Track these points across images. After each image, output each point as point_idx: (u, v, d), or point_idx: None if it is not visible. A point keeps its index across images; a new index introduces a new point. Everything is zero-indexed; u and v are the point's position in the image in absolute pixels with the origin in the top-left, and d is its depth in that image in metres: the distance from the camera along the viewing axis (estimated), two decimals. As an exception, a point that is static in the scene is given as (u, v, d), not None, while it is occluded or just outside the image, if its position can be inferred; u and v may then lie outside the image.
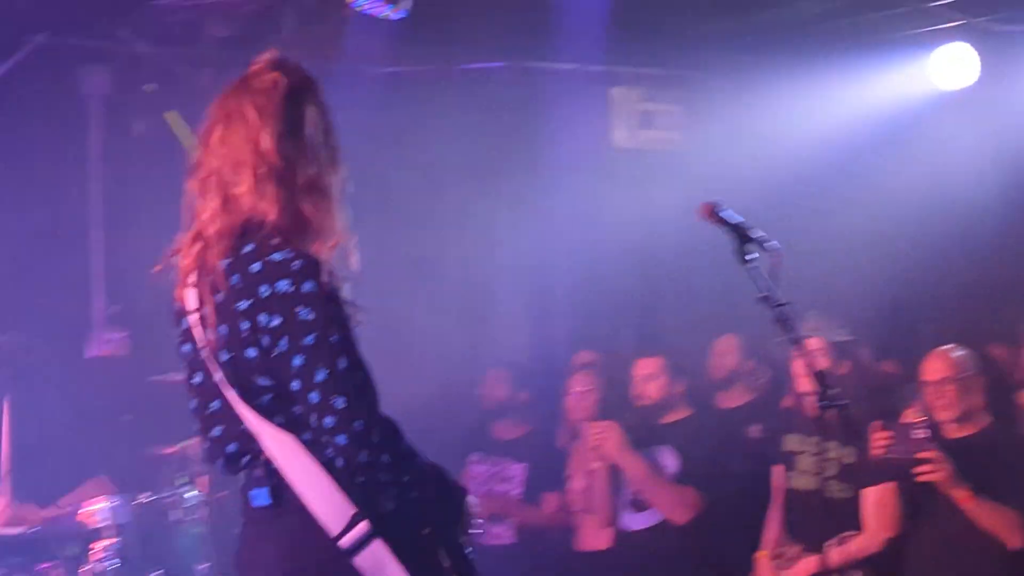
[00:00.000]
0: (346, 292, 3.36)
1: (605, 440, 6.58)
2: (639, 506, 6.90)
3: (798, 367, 5.97)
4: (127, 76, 8.11)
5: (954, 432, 5.91)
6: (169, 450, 6.31)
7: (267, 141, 3.35)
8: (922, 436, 5.78)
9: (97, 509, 5.81)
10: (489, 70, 8.10)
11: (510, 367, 7.83)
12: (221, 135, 3.42)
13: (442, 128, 7.77)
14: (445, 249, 8.53)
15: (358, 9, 7.16)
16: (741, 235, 4.09)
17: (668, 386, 7.03)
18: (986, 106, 8.69)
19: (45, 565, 5.70)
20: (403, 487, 3.41)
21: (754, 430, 7.21)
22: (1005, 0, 8.08)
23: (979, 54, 8.74)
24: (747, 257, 4.05)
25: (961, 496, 5.71)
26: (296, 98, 3.45)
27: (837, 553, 6.02)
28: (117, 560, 5.72)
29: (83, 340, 8.01)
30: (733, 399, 7.60)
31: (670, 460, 6.82)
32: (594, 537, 7.02)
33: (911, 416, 6.07)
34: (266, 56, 3.49)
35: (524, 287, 8.64)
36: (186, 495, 6.10)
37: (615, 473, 6.86)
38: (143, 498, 6.01)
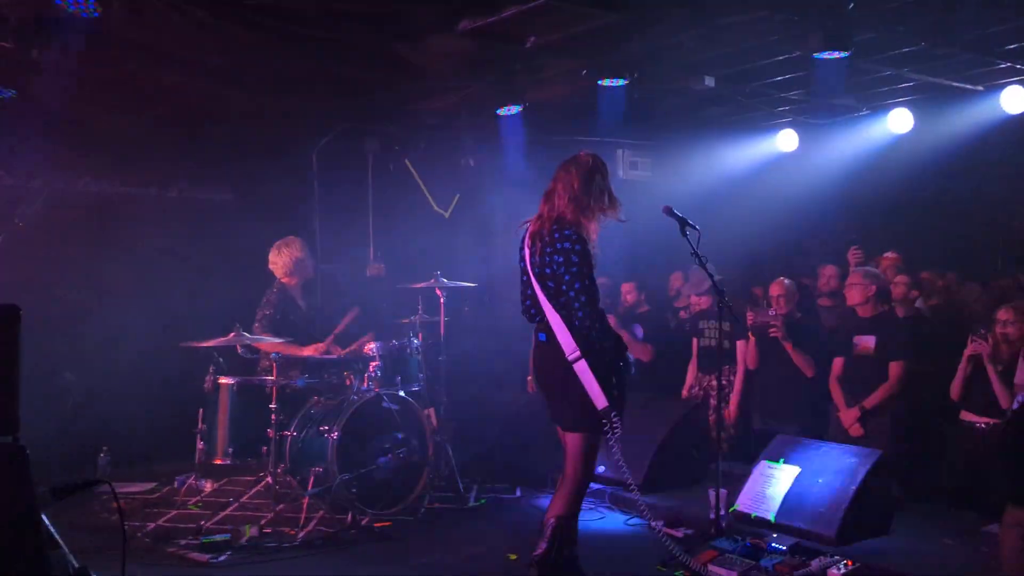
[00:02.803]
0: (593, 249, 3.89)
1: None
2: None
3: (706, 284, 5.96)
4: (385, 143, 8.62)
5: (784, 315, 6.17)
6: (404, 320, 6.64)
7: (576, 185, 3.89)
8: (772, 314, 6.16)
9: (371, 347, 6.08)
10: (574, 142, 7.12)
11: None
12: (561, 176, 3.94)
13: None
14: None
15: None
16: (682, 222, 4.35)
17: (637, 295, 7.42)
18: (807, 163, 8.61)
19: (353, 370, 5.97)
20: (604, 338, 3.86)
21: (683, 314, 7.49)
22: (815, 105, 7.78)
23: (799, 135, 8.81)
24: (685, 232, 4.36)
25: (788, 346, 6.10)
26: (593, 169, 3.95)
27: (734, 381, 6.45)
28: (379, 372, 5.99)
29: (364, 267, 8.55)
30: (680, 303, 7.77)
31: (639, 331, 7.16)
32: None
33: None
34: (585, 150, 4.02)
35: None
36: (414, 341, 6.33)
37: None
38: (393, 342, 6.20)
